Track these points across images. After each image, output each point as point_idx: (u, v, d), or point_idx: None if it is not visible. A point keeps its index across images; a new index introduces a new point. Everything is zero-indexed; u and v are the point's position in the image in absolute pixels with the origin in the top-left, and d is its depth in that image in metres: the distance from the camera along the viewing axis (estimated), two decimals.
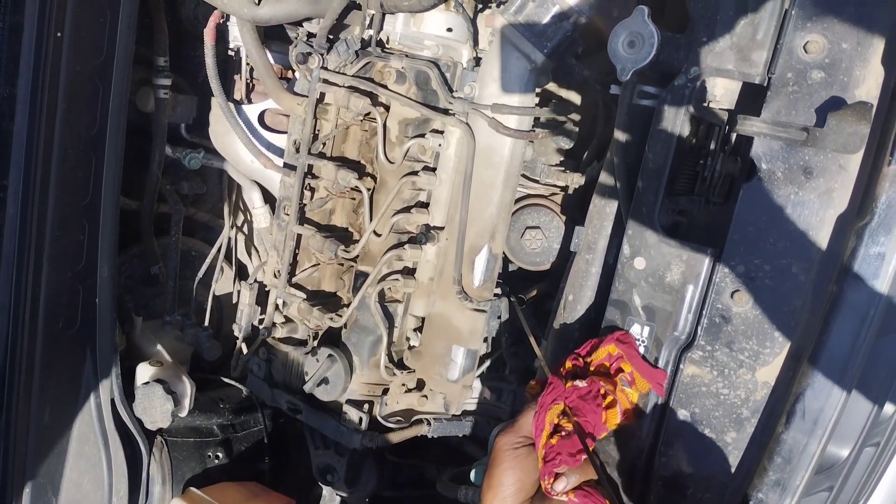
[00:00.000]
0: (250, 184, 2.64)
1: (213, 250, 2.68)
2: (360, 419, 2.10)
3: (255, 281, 2.33)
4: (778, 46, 1.44)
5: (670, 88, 1.55)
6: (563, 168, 2.12)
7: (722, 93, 1.59)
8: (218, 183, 2.80)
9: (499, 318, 2.14)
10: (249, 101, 2.44)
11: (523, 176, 2.13)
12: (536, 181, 2.14)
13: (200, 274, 2.67)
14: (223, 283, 2.82)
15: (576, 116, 2.10)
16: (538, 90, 1.94)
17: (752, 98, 1.56)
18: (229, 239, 2.77)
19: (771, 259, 1.47)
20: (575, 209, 2.18)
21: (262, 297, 2.37)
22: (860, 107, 1.35)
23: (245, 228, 2.90)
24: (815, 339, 1.42)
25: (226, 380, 2.58)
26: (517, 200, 2.17)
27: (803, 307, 1.46)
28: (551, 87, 2.11)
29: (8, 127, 1.75)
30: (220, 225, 2.77)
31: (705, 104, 1.58)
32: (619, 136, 1.69)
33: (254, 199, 2.70)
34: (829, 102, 1.41)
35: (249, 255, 2.90)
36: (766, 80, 1.47)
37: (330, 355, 2.12)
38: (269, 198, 2.66)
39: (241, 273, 2.86)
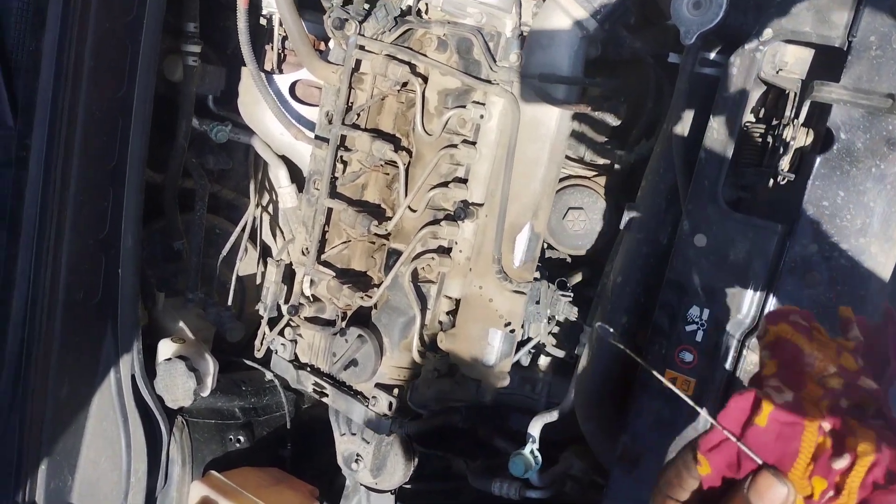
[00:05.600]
0: (277, 161, 2.55)
1: (238, 229, 2.59)
2: (391, 404, 2.00)
3: (282, 258, 2.24)
4: (861, 6, 1.33)
5: (739, 52, 1.44)
6: (609, 146, 2.01)
7: (793, 60, 1.48)
8: (244, 160, 2.71)
9: (537, 302, 2.03)
10: (281, 72, 2.35)
11: (566, 156, 2.03)
12: (580, 160, 2.03)
13: (224, 252, 2.58)
14: (247, 263, 2.73)
15: (624, 92, 2.00)
16: (587, 61, 1.83)
17: (826, 67, 1.45)
18: (254, 218, 2.68)
19: (848, 238, 1.36)
20: (619, 191, 2.07)
21: (288, 276, 2.28)
22: None
23: (270, 208, 2.81)
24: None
25: (248, 363, 2.49)
26: (560, 180, 2.07)
27: (883, 291, 1.34)
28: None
29: (33, 82, 1.67)
30: (245, 203, 2.68)
31: (776, 71, 1.47)
32: (678, 106, 1.58)
33: (280, 177, 2.61)
34: None
35: (274, 235, 2.81)
36: (847, 44, 1.36)
37: (360, 335, 2.02)
38: (295, 177, 2.57)
39: (266, 254, 2.77)
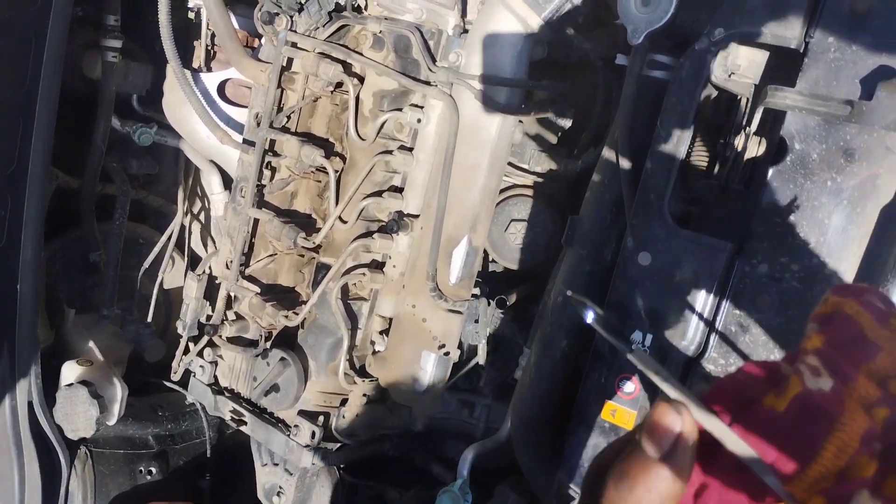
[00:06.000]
0: (209, 166, 2.37)
1: (163, 238, 2.41)
2: (313, 433, 1.83)
3: (205, 272, 2.06)
4: (819, 6, 1.23)
5: (689, 53, 1.32)
6: (555, 154, 1.88)
7: (746, 63, 1.36)
8: (173, 164, 2.53)
9: (476, 321, 1.89)
10: (209, 70, 2.19)
11: (510, 164, 1.89)
12: (525, 169, 1.90)
13: (146, 264, 2.39)
14: (174, 275, 2.55)
15: (572, 97, 1.87)
16: (531, 61, 1.71)
17: (781, 71, 1.34)
18: (183, 227, 2.50)
19: (800, 258, 1.24)
20: (566, 202, 1.94)
21: (213, 291, 2.10)
22: None
23: (202, 216, 2.63)
24: None
25: (169, 384, 2.29)
26: (502, 190, 1.94)
27: None
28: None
29: None
30: (174, 211, 2.50)
31: (728, 75, 1.35)
32: (625, 112, 1.45)
33: (212, 183, 2.43)
34: (878, 72, 1.18)
35: (206, 245, 2.63)
36: (804, 46, 1.25)
37: (282, 358, 1.85)
38: (230, 182, 2.40)
39: (195, 265, 2.59)
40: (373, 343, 1.88)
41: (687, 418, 0.56)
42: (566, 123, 1.87)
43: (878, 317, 0.62)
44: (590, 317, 0.62)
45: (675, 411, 0.56)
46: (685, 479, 0.57)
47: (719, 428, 0.57)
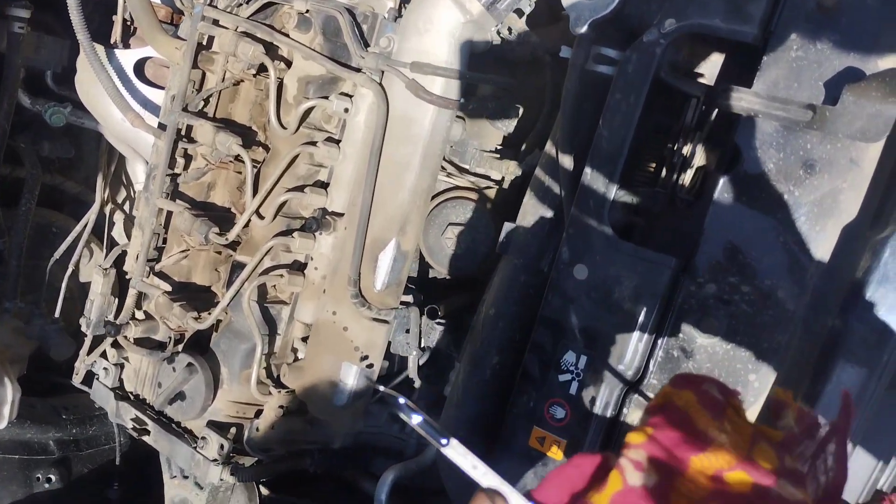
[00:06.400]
0: (132, 152, 2.18)
1: (78, 227, 2.21)
2: (222, 446, 1.67)
3: (112, 266, 1.88)
4: None
5: (636, 46, 1.19)
6: (498, 156, 1.74)
7: (699, 61, 1.24)
8: (95, 149, 2.34)
9: (407, 331, 1.73)
10: (126, 47, 2.00)
11: (450, 163, 1.75)
12: (465, 170, 1.75)
13: (57, 255, 2.20)
14: (91, 268, 2.35)
15: (519, 94, 1.73)
16: (474, 53, 1.56)
17: (738, 69, 1.22)
18: (103, 216, 2.30)
19: (751, 279, 1.12)
20: (509, 207, 1.80)
21: (124, 287, 1.92)
22: (889, 78, 1.00)
23: (127, 206, 2.43)
24: (804, 388, 1.06)
25: (78, 385, 2.10)
26: (441, 192, 1.79)
27: (790, 344, 1.10)
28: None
29: None
30: (94, 199, 2.30)
31: (679, 72, 1.22)
32: (567, 109, 1.31)
33: (137, 171, 2.25)
34: (845, 74, 1.06)
35: (129, 237, 2.43)
36: (763, 42, 1.11)
37: (189, 364, 1.69)
38: None
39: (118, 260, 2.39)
40: (294, 351, 1.72)
41: None
42: (511, 123, 1.72)
43: (713, 408, 0.62)
44: (409, 415, 0.65)
45: (490, 502, 0.59)
46: None
47: None
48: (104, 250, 2.36)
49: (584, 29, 1.21)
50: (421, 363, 1.79)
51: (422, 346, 1.76)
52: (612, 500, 0.57)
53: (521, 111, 1.74)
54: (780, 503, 0.58)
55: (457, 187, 1.81)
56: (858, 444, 1.05)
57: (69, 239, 2.22)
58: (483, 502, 0.59)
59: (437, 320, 1.75)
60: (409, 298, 1.73)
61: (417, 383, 1.83)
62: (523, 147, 1.74)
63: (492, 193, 1.81)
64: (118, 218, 2.42)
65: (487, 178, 1.79)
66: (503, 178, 1.78)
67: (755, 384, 1.12)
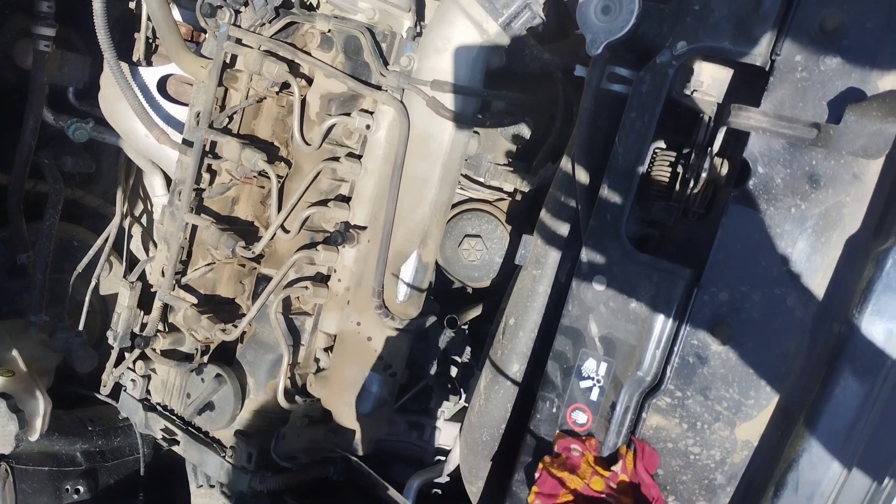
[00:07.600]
0: (152, 167, 2.24)
1: (99, 241, 2.27)
2: (250, 455, 1.72)
3: (139, 279, 1.94)
4: (787, 21, 1.16)
5: (650, 67, 1.25)
6: (512, 169, 1.80)
7: (709, 80, 1.30)
8: (114, 164, 2.39)
9: (426, 341, 1.79)
10: (149, 64, 2.06)
11: (465, 177, 1.81)
12: (480, 182, 1.82)
13: (80, 268, 2.25)
14: (112, 281, 2.41)
15: (531, 109, 1.79)
16: (489, 70, 1.62)
17: (746, 89, 1.28)
18: (122, 230, 2.36)
19: (761, 287, 1.18)
20: (523, 218, 1.87)
21: (149, 300, 1.98)
22: (889, 99, 1.07)
23: (144, 219, 2.49)
24: (814, 393, 1.12)
25: (101, 397, 2.16)
26: (457, 204, 1.85)
27: (798, 350, 1.16)
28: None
29: None
30: (113, 213, 2.35)
31: (690, 92, 1.28)
32: (583, 126, 1.37)
33: (155, 185, 2.31)
34: (847, 94, 1.12)
35: (147, 250, 2.49)
36: (769, 64, 1.18)
37: (218, 375, 1.74)
38: None
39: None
40: (317, 361, 1.78)
41: None
42: (525, 137, 1.79)
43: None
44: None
45: None
46: None
47: None
48: (123, 263, 2.42)
49: (599, 50, 1.27)
50: (440, 371, 1.85)
51: (441, 355, 1.82)
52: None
53: (533, 125, 1.81)
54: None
55: (472, 199, 1.87)
56: (859, 461, 1.11)
57: (91, 252, 2.27)
58: None
59: (454, 330, 1.81)
60: (428, 308, 1.79)
61: (436, 391, 1.89)
62: (535, 160, 1.81)
63: (505, 206, 1.87)
64: (135, 231, 2.48)
65: (500, 190, 1.85)
66: (516, 191, 1.84)
67: (766, 389, 1.18)
